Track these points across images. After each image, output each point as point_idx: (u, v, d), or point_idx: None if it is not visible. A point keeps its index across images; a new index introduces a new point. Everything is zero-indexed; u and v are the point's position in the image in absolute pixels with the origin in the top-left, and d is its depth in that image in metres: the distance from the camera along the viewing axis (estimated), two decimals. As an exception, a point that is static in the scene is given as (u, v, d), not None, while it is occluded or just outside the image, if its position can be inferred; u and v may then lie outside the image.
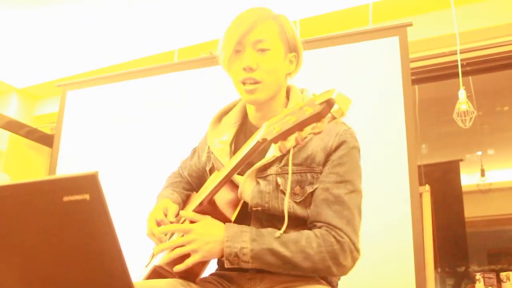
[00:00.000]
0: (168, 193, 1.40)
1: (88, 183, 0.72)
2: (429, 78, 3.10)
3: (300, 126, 0.94)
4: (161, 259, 1.15)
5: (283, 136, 0.97)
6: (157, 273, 1.16)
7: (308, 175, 1.19)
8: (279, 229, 1.17)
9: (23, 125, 4.19)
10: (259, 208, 1.18)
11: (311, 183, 1.19)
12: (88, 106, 3.20)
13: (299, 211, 1.18)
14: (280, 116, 0.99)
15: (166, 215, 1.27)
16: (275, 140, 0.98)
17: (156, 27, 3.30)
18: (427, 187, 2.85)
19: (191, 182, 1.49)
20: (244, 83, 1.22)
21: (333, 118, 0.92)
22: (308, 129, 0.96)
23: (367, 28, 2.73)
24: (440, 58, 2.98)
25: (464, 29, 2.78)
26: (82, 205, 0.73)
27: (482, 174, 5.47)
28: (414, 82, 2.89)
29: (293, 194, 1.18)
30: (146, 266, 1.34)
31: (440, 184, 4.41)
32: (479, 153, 5.61)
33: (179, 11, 3.14)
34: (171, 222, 1.25)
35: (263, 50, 1.21)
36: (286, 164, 1.17)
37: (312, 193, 1.19)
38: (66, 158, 3.15)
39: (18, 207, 0.77)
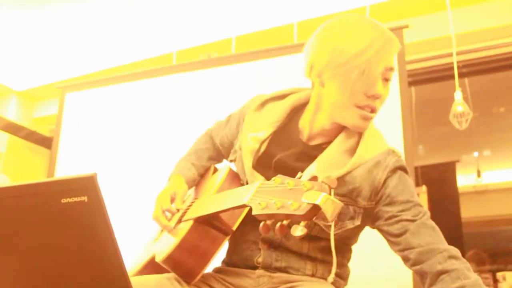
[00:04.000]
0: (186, 168, 1.36)
1: (86, 185, 0.74)
2: (426, 80, 3.11)
3: (283, 217, 0.82)
4: (160, 253, 1.14)
5: (266, 217, 0.85)
6: (153, 264, 1.16)
7: (351, 208, 1.12)
8: (289, 242, 1.15)
9: (22, 127, 4.19)
10: None
11: (352, 218, 1.13)
12: (87, 108, 3.21)
13: (321, 235, 1.14)
14: (272, 188, 0.86)
15: (174, 199, 1.24)
16: (258, 217, 0.85)
17: (154, 29, 3.30)
18: (424, 188, 2.87)
19: (222, 151, 1.42)
20: (362, 108, 1.11)
21: (318, 219, 0.81)
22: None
23: (363, 30, 2.74)
24: (436, 60, 2.99)
25: (460, 31, 2.79)
26: (80, 207, 0.74)
27: (478, 175, 5.49)
28: (411, 83, 2.90)
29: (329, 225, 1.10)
30: (154, 241, 1.33)
31: (436, 185, 4.41)
32: (476, 154, 5.63)
33: (178, 14, 3.15)
34: (178, 210, 1.22)
35: (388, 80, 1.13)
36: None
37: (351, 229, 1.14)
38: (64, 160, 3.16)
39: (17, 209, 0.78)
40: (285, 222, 0.83)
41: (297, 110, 1.25)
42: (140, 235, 1.55)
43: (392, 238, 1.11)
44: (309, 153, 1.18)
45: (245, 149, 1.23)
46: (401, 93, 2.37)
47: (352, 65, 1.07)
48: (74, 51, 3.57)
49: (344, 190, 1.11)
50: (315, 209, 0.78)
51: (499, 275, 2.72)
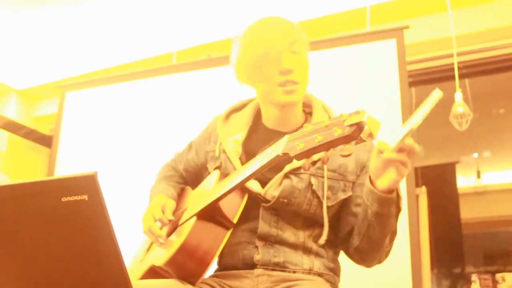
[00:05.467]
0: (163, 188, 1.39)
1: (87, 184, 0.74)
2: (426, 81, 3.11)
3: (326, 146, 0.92)
4: (160, 258, 1.15)
5: (307, 154, 0.94)
6: (153, 272, 1.16)
7: (341, 182, 1.24)
8: (290, 228, 1.21)
9: (22, 126, 4.19)
10: (285, 200, 1.19)
11: (344, 191, 1.24)
12: (87, 107, 3.21)
13: (315, 216, 1.21)
14: (304, 132, 0.95)
15: (163, 212, 1.26)
16: (298, 157, 0.95)
17: (154, 29, 3.31)
18: (424, 188, 2.87)
19: (186, 177, 1.47)
20: (283, 85, 1.21)
21: (362, 140, 0.90)
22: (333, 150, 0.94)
23: (364, 30, 2.75)
24: (436, 61, 2.99)
25: (461, 32, 2.79)
26: (81, 205, 0.74)
27: (478, 176, 5.50)
28: (411, 84, 2.90)
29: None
30: (140, 261, 1.34)
31: (436, 185, 4.40)
32: (475, 155, 5.63)
33: (178, 14, 3.15)
34: (169, 220, 1.25)
35: (296, 52, 1.23)
36: (321, 168, 1.21)
37: (344, 199, 1.23)
38: (64, 158, 3.16)
39: (17, 208, 0.78)
40: (327, 153, 0.94)
41: (259, 113, 1.37)
42: (139, 235, 1.55)
43: (351, 218, 1.24)
44: None
45: (229, 151, 1.29)
46: (402, 94, 2.37)
47: (257, 58, 1.22)
48: (74, 50, 3.58)
49: (333, 165, 1.23)
50: (359, 128, 0.88)
51: (498, 276, 2.72)
